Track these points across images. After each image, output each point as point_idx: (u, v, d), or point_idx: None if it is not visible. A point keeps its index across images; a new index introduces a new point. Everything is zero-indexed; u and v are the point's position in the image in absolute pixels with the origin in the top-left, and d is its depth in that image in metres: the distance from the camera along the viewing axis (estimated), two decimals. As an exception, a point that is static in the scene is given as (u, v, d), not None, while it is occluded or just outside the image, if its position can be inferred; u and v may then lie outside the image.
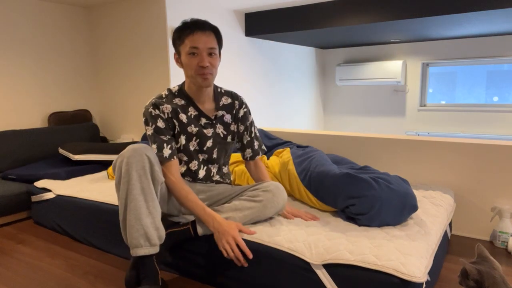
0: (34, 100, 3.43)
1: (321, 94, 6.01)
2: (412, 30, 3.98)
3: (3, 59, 3.20)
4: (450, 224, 2.21)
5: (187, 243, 1.75)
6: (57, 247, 2.20)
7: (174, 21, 3.30)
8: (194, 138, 1.78)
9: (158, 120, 1.70)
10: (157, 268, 1.58)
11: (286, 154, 2.36)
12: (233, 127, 1.88)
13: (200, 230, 1.68)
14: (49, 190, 2.49)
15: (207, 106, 1.81)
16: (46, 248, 2.19)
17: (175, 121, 1.74)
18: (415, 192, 2.20)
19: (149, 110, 1.71)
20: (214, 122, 1.81)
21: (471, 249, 2.09)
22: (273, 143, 2.81)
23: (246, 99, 4.26)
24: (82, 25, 3.76)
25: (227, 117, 1.85)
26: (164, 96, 1.76)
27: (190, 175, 1.82)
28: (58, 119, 3.51)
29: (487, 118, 4.90)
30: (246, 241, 1.62)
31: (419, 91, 5.32)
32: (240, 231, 1.62)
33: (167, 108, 1.73)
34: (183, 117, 1.75)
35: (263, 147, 2.00)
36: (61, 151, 3.00)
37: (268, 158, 2.58)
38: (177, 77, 3.39)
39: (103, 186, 2.45)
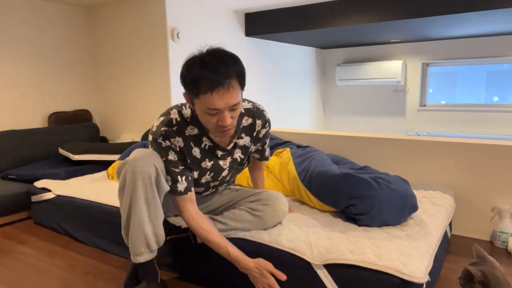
0: (34, 100, 3.43)
1: (321, 94, 6.01)
2: (412, 30, 3.98)
3: (2, 59, 3.20)
4: (450, 224, 2.21)
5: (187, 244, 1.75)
6: (57, 247, 2.20)
7: (174, 21, 3.30)
8: (208, 172, 1.61)
9: (169, 153, 1.50)
10: (157, 268, 1.59)
11: (286, 154, 2.36)
12: (251, 148, 1.72)
13: (199, 239, 1.64)
14: (49, 190, 2.49)
15: (222, 138, 1.59)
16: (46, 248, 2.19)
17: (187, 158, 1.54)
18: (415, 192, 2.19)
19: (158, 141, 1.49)
20: (231, 150, 1.63)
21: (471, 249, 2.09)
22: (273, 143, 2.81)
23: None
24: (82, 25, 3.76)
25: (246, 140, 1.65)
26: (174, 122, 1.50)
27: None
28: (58, 119, 3.51)
29: (487, 118, 4.90)
30: (247, 240, 1.62)
31: (419, 91, 5.32)
32: (271, 273, 1.49)
33: (178, 141, 1.51)
34: (196, 151, 1.55)
35: (268, 155, 1.91)
36: (61, 151, 3.00)
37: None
38: (177, 77, 3.39)
39: (103, 186, 2.45)
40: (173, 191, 1.53)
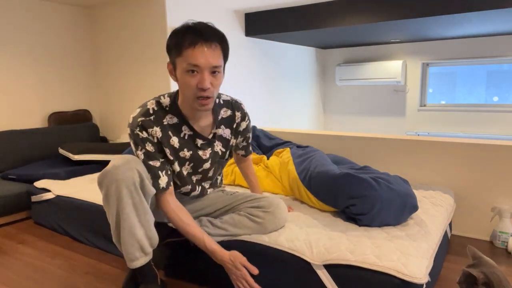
0: (34, 100, 3.43)
1: (321, 94, 6.01)
2: (412, 30, 3.98)
3: (3, 59, 3.20)
4: (450, 224, 2.21)
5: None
6: (57, 247, 2.20)
7: (174, 21, 3.30)
8: (188, 162, 1.60)
9: (147, 144, 1.49)
10: (155, 270, 1.58)
11: (286, 154, 2.36)
12: (232, 142, 1.72)
13: (179, 231, 1.61)
14: (49, 190, 2.49)
15: (203, 122, 1.59)
16: (46, 248, 2.19)
17: (165, 148, 1.53)
18: (415, 192, 2.19)
19: (135, 132, 1.48)
20: (212, 140, 1.62)
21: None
22: (273, 143, 2.81)
23: (245, 101, 4.26)
24: (83, 25, 3.76)
25: (226, 132, 1.66)
26: (152, 112, 1.50)
27: (182, 194, 1.71)
28: (58, 119, 3.51)
29: (487, 118, 4.90)
30: (246, 242, 1.62)
31: (419, 91, 5.32)
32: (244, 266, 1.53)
33: (156, 132, 1.50)
34: (174, 141, 1.54)
35: (251, 149, 1.92)
36: (61, 151, 3.00)
37: (268, 158, 2.58)
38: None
39: (103, 186, 2.45)
40: (156, 188, 1.51)
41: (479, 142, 2.23)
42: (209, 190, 1.79)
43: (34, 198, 2.53)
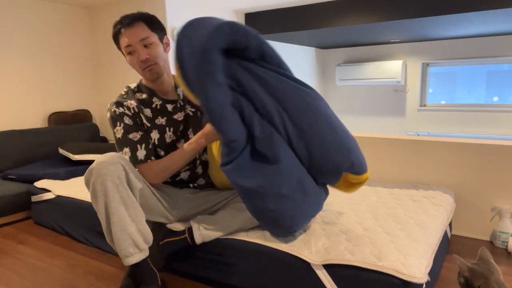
0: (34, 100, 3.43)
1: (321, 94, 6.01)
2: (412, 30, 3.98)
3: (3, 59, 3.20)
4: (450, 224, 2.21)
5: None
6: (57, 247, 2.20)
7: (174, 21, 3.30)
8: (167, 128, 1.68)
9: (124, 118, 1.60)
10: (154, 269, 1.57)
11: None
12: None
13: (198, 239, 1.61)
14: (49, 191, 2.49)
15: (171, 96, 1.72)
16: (46, 248, 2.19)
17: (142, 115, 1.64)
18: (415, 192, 2.19)
19: (112, 110, 1.61)
20: (182, 104, 1.71)
21: (471, 249, 2.09)
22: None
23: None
24: (83, 25, 3.76)
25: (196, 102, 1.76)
26: (124, 93, 1.68)
27: (172, 178, 1.73)
28: (58, 119, 3.51)
29: (487, 118, 4.90)
30: (244, 241, 1.61)
31: (419, 91, 5.32)
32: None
33: (131, 103, 1.63)
34: (147, 112, 1.65)
35: None
36: (61, 151, 3.00)
37: None
38: (177, 77, 3.39)
39: (103, 186, 2.45)
40: (134, 161, 1.57)
41: (479, 142, 2.23)
42: (200, 170, 1.78)
43: (34, 198, 2.53)
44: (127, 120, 1.60)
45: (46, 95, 3.51)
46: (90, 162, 2.99)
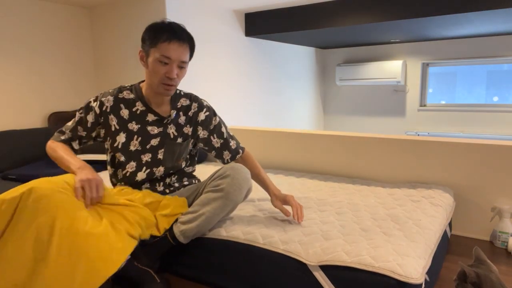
0: (34, 100, 3.43)
1: (321, 94, 6.01)
2: (412, 30, 3.98)
3: (3, 59, 3.20)
4: (450, 224, 2.21)
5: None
6: (56, 247, 2.19)
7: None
8: (136, 137, 1.68)
9: (90, 113, 1.68)
10: (148, 270, 1.55)
11: None
12: (186, 130, 1.77)
13: (181, 238, 1.60)
14: (49, 190, 2.48)
15: (164, 108, 1.73)
16: (45, 248, 2.18)
17: (113, 116, 1.66)
18: (415, 192, 2.19)
19: (88, 100, 1.70)
20: (166, 122, 1.72)
21: (471, 249, 2.09)
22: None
23: (245, 101, 4.26)
24: (83, 25, 3.76)
25: (182, 119, 1.77)
26: (112, 89, 1.72)
27: (128, 180, 1.71)
28: (58, 119, 3.51)
29: (487, 118, 4.89)
30: (239, 243, 1.61)
31: (419, 91, 5.31)
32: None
33: (109, 100, 1.68)
34: (124, 113, 1.67)
35: (241, 145, 1.90)
36: (61, 151, 3.00)
37: None
38: (177, 77, 3.38)
39: (102, 186, 2.44)
40: (56, 137, 1.68)
41: (479, 142, 2.23)
42: (160, 186, 1.76)
43: (34, 198, 2.53)
44: (89, 116, 1.68)
45: (46, 95, 3.51)
46: (90, 162, 2.99)
